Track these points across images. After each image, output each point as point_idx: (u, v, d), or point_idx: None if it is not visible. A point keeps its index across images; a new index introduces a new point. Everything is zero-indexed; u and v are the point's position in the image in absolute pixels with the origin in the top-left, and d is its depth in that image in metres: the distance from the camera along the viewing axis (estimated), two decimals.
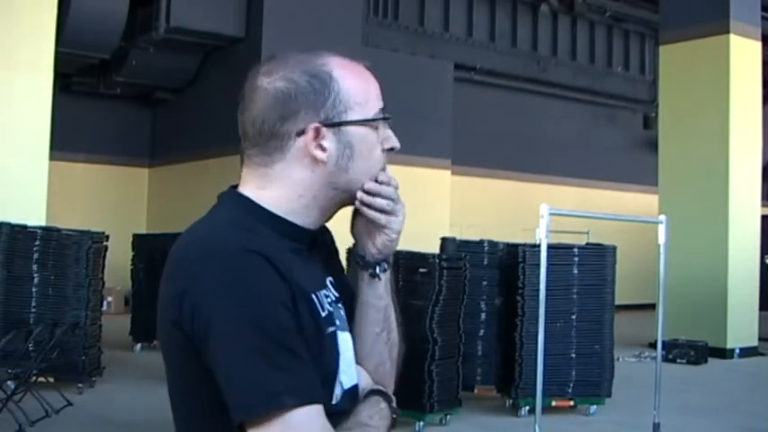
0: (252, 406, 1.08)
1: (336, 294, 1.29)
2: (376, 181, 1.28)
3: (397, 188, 1.30)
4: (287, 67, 1.26)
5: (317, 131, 1.23)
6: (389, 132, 1.31)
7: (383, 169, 1.30)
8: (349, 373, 1.26)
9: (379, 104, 1.30)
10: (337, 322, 1.25)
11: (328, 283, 1.29)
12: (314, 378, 1.13)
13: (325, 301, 1.24)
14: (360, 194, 1.27)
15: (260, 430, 1.08)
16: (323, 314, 1.22)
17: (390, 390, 1.32)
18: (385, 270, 1.32)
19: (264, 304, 1.11)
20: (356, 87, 1.27)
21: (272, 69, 1.27)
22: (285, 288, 1.14)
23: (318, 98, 1.24)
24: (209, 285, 1.12)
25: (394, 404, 1.29)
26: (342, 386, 1.23)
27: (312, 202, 1.26)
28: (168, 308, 1.16)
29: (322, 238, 1.34)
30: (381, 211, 1.28)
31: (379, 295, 1.32)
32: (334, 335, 1.24)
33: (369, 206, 1.28)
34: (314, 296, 1.22)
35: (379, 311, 1.32)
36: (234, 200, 1.28)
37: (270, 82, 1.26)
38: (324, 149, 1.23)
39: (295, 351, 1.11)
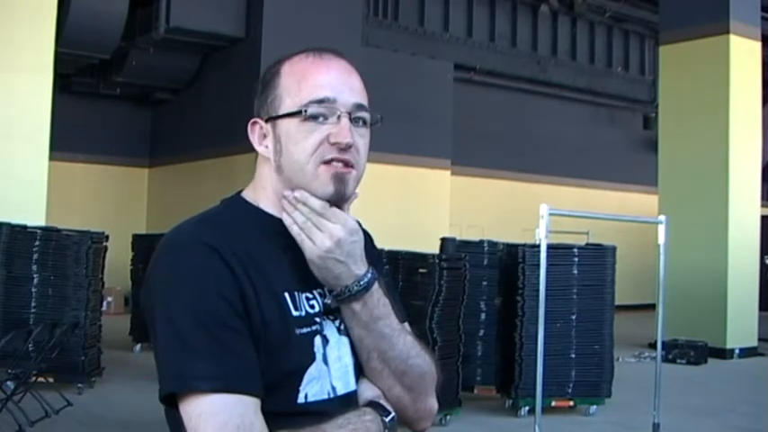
0: (169, 385, 1.15)
1: (329, 302, 1.27)
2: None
3: (317, 211, 1.23)
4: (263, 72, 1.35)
5: (254, 127, 1.31)
6: (341, 126, 1.24)
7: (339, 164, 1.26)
8: (345, 380, 1.27)
9: (318, 95, 1.25)
10: (324, 325, 1.26)
11: (320, 289, 1.27)
12: (245, 371, 1.14)
13: (304, 303, 1.24)
14: (282, 201, 1.26)
15: (181, 409, 1.15)
16: (294, 313, 1.22)
17: (409, 413, 1.31)
18: (331, 302, 1.26)
19: (201, 294, 1.15)
20: (292, 81, 1.28)
21: None
22: (231, 280, 1.17)
23: (265, 97, 1.30)
24: (158, 273, 1.20)
25: (389, 419, 1.26)
26: (333, 391, 1.24)
27: (274, 195, 1.29)
28: (142, 293, 1.24)
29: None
30: (298, 226, 1.24)
31: (349, 325, 1.27)
32: (309, 336, 1.23)
33: (290, 217, 1.25)
34: (286, 294, 1.23)
35: (356, 340, 1.28)
36: (230, 199, 1.33)
37: None
38: (266, 146, 1.29)
39: (225, 343, 1.14)
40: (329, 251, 1.22)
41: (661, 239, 6.48)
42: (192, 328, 1.13)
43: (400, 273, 6.92)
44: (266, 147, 1.29)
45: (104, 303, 10.83)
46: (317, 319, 1.25)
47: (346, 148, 1.24)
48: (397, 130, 14.66)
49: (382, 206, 14.56)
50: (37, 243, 7.78)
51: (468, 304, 7.15)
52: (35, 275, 7.72)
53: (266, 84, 1.30)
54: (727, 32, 11.85)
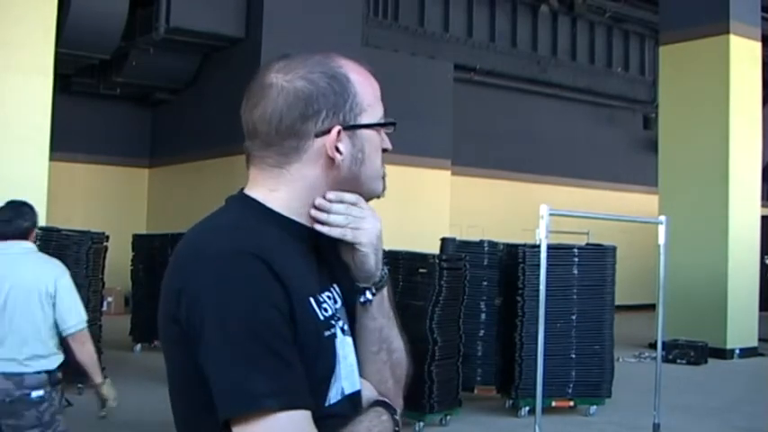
0: (234, 406, 1.09)
1: (341, 298, 1.29)
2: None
3: (353, 203, 1.28)
4: (305, 66, 1.27)
5: (339, 133, 1.25)
6: (385, 134, 1.34)
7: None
8: (351, 380, 1.25)
9: (382, 108, 1.33)
10: (338, 326, 1.24)
11: (334, 285, 1.29)
12: (302, 383, 1.12)
13: (328, 304, 1.24)
14: (312, 211, 1.26)
15: (239, 428, 1.09)
16: (321, 318, 1.21)
17: (397, 407, 1.32)
18: (374, 294, 1.30)
19: (256, 307, 1.11)
20: (368, 91, 1.30)
21: (288, 68, 1.28)
22: (281, 291, 1.14)
23: (339, 100, 1.25)
24: (204, 285, 1.13)
25: (397, 416, 1.28)
26: (342, 391, 1.23)
27: (290, 199, 1.26)
28: (167, 304, 1.19)
29: (334, 240, 1.29)
30: (340, 226, 1.26)
31: (371, 316, 1.30)
32: (332, 338, 1.22)
33: (325, 223, 1.26)
34: (312, 299, 1.21)
35: (372, 332, 1.31)
36: (242, 202, 1.27)
37: (288, 81, 1.26)
38: (340, 152, 1.25)
39: (283, 355, 1.11)
40: (380, 234, 1.30)
41: (661, 239, 6.48)
42: (252, 342, 1.10)
43: (400, 273, 6.91)
44: (340, 153, 1.25)
45: (104, 304, 10.83)
46: (333, 322, 1.24)
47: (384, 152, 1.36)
48: (396, 130, 14.62)
49: (382, 206, 14.50)
50: (37, 243, 7.76)
51: (469, 304, 7.15)
52: None
53: (334, 89, 1.26)
54: (728, 32, 11.85)
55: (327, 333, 1.22)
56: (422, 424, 6.57)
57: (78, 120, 15.17)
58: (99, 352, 8.08)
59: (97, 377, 3.74)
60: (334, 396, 1.21)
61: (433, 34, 16.38)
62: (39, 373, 3.44)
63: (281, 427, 1.08)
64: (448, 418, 6.84)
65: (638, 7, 18.67)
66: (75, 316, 3.56)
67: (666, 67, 12.77)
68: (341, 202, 1.26)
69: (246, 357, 1.09)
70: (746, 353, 11.59)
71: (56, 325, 3.53)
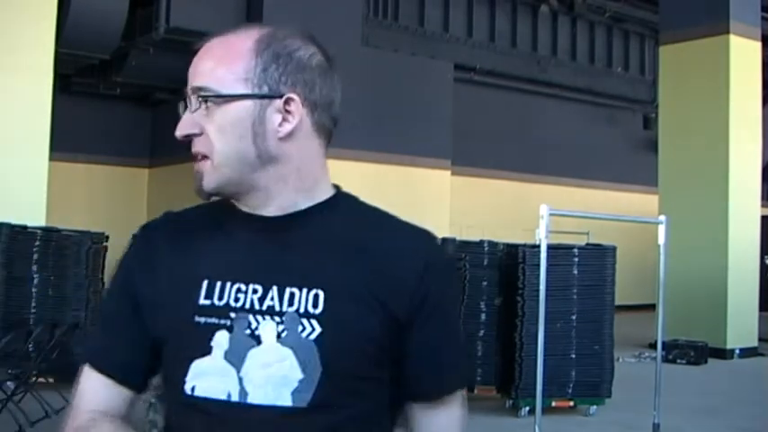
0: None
1: (283, 306, 1.13)
2: None
3: None
4: None
5: None
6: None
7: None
8: (274, 392, 1.11)
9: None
10: (229, 320, 1.13)
11: (275, 285, 1.14)
12: (100, 342, 1.25)
13: (236, 294, 1.14)
14: None
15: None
16: (201, 302, 1.15)
17: None
18: None
19: (115, 272, 1.27)
20: None
21: None
22: (141, 258, 1.25)
23: None
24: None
25: None
26: (244, 396, 1.12)
27: None
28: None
29: (355, 253, 1.17)
30: None
31: None
32: (207, 327, 1.14)
33: None
34: (208, 281, 1.16)
35: None
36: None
37: None
38: None
39: (103, 315, 1.30)
40: None
41: (661, 239, 6.49)
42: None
43: None
44: None
45: None
46: (234, 315, 1.13)
47: (184, 140, 1.19)
48: (397, 130, 14.64)
49: (382, 206, 14.53)
50: (37, 243, 7.78)
51: (468, 304, 7.16)
52: (35, 276, 7.71)
53: None
54: (728, 32, 11.84)
55: (203, 320, 1.14)
56: None
57: (78, 120, 15.16)
58: None
59: None
60: (204, 389, 1.13)
61: (432, 34, 16.37)
62: None
63: (80, 376, 1.23)
64: None
65: (638, 7, 18.65)
66: None
67: (666, 67, 12.77)
68: None
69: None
70: (746, 353, 11.59)
71: None
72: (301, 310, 1.12)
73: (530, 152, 18.24)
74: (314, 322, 1.12)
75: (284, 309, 1.13)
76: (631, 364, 10.47)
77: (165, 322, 1.18)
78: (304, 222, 1.18)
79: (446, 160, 15.67)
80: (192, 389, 1.14)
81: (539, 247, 6.11)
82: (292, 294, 1.13)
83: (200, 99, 1.15)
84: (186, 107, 1.18)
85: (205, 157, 1.17)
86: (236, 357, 1.12)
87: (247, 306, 1.14)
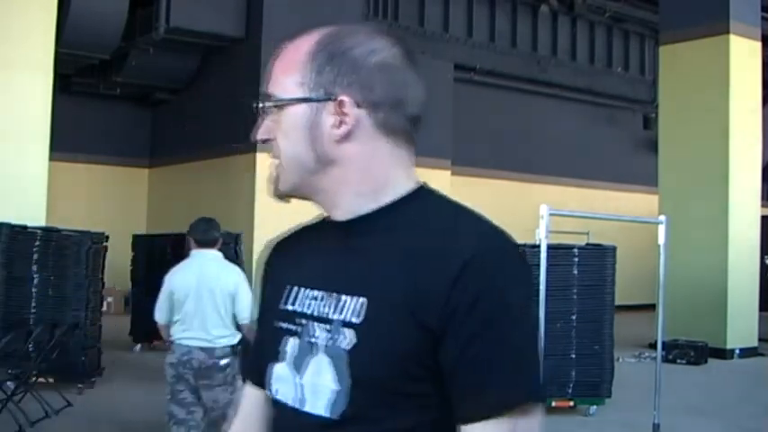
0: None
1: (333, 313, 1.12)
2: None
3: None
4: None
5: None
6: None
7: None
8: (320, 402, 1.11)
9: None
10: (300, 327, 1.15)
11: (330, 291, 1.14)
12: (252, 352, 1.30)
13: (304, 300, 1.16)
14: None
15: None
16: (281, 306, 1.19)
17: None
18: None
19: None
20: None
21: None
22: (266, 272, 1.30)
23: None
24: None
25: None
26: (302, 403, 1.14)
27: None
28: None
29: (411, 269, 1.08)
30: None
31: None
32: (280, 332, 1.18)
33: None
34: (289, 287, 1.20)
35: None
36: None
37: None
38: None
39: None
40: None
41: (661, 239, 6.48)
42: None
43: None
44: None
45: (104, 304, 10.83)
46: (303, 321, 1.15)
47: (263, 144, 1.19)
48: None
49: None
50: (37, 243, 7.79)
51: None
52: (35, 276, 7.72)
53: None
54: (727, 32, 11.84)
55: (277, 324, 1.19)
56: None
57: (78, 120, 15.17)
58: (99, 352, 8.15)
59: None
60: (283, 393, 1.17)
61: (432, 34, 16.38)
62: (224, 347, 4.64)
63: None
64: None
65: (638, 7, 18.66)
66: (246, 312, 4.67)
67: (666, 67, 12.77)
68: None
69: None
70: (746, 353, 11.59)
71: (234, 314, 4.69)
72: (345, 320, 1.10)
73: (530, 152, 18.24)
74: (352, 332, 1.09)
75: (334, 317, 1.11)
76: (631, 364, 10.47)
77: (264, 325, 1.25)
78: (366, 226, 1.15)
79: (446, 160, 15.68)
80: (276, 391, 1.18)
81: (539, 246, 6.11)
82: (345, 302, 1.11)
83: (267, 105, 1.17)
84: (257, 110, 1.20)
85: (279, 161, 1.18)
86: (299, 365, 1.14)
87: (311, 313, 1.15)
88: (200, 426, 4.69)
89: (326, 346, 1.11)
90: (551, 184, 18.04)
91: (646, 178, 17.48)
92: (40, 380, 6.84)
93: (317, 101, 1.13)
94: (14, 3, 8.78)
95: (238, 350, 4.73)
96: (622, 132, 20.01)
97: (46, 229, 8.03)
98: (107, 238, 8.30)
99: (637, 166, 19.25)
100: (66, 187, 14.55)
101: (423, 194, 1.20)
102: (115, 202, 16.20)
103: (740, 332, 11.65)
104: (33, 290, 7.70)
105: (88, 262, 7.86)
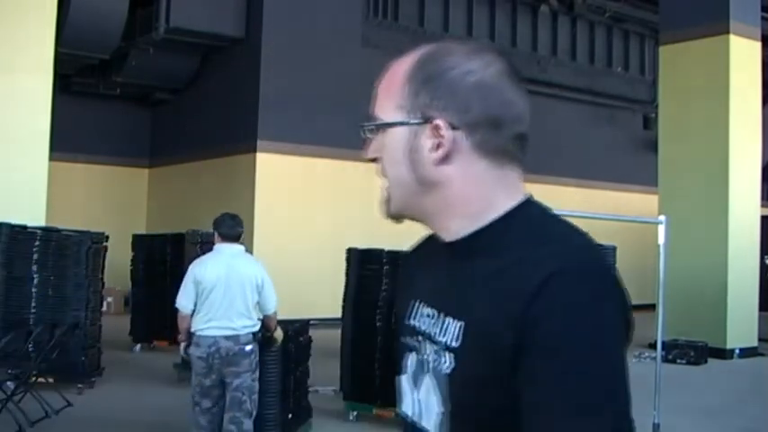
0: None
1: (439, 335, 1.12)
2: None
3: None
4: None
5: None
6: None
7: None
8: (429, 419, 1.14)
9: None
10: (418, 344, 1.17)
11: (447, 315, 1.12)
12: None
13: (422, 320, 1.17)
14: None
15: None
16: (406, 321, 1.22)
17: None
18: None
19: None
20: None
21: None
22: (399, 286, 1.35)
23: None
24: None
25: None
26: (420, 417, 1.16)
27: None
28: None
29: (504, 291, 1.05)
30: None
31: None
32: (405, 348, 1.21)
33: None
34: (413, 301, 1.21)
35: None
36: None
37: None
38: None
39: None
40: None
41: (661, 239, 6.48)
42: None
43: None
44: None
45: (104, 304, 10.83)
46: (420, 338, 1.16)
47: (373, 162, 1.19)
48: None
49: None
50: (37, 243, 7.78)
51: None
52: (35, 276, 7.72)
53: None
54: (728, 32, 11.84)
55: (404, 339, 1.21)
56: None
57: (78, 120, 15.18)
58: (99, 352, 8.15)
59: (271, 330, 5.31)
60: (407, 405, 1.19)
61: (432, 34, 16.36)
62: (247, 334, 4.98)
63: None
64: None
65: (638, 7, 18.66)
66: (272, 303, 5.13)
67: (666, 67, 12.77)
68: None
69: None
70: (746, 353, 11.59)
71: (257, 305, 5.08)
72: (447, 343, 1.09)
73: (530, 152, 18.04)
74: (451, 356, 1.08)
75: (439, 338, 1.11)
76: (631, 364, 10.35)
77: (397, 336, 1.26)
78: (465, 248, 1.13)
79: None
80: (401, 403, 1.21)
81: None
82: (447, 325, 1.11)
83: (370, 128, 1.17)
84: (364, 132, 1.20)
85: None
86: (416, 380, 1.16)
87: (425, 330, 1.15)
88: (220, 414, 5.03)
89: (433, 367, 1.12)
90: (551, 183, 18.02)
91: (646, 178, 17.48)
92: (40, 380, 6.84)
93: (415, 124, 1.13)
94: (15, 3, 8.79)
95: (259, 338, 5.10)
96: (622, 132, 20.01)
97: (46, 229, 8.03)
98: (107, 238, 8.30)
99: (637, 166, 19.25)
100: (67, 187, 14.56)
101: (519, 213, 1.16)
102: (115, 202, 16.20)
103: (740, 332, 11.65)
104: (33, 290, 7.69)
105: (88, 262, 7.85)
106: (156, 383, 8.18)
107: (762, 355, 11.73)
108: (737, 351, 11.51)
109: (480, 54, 1.16)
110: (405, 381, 1.19)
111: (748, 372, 10.64)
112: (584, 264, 1.04)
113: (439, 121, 1.11)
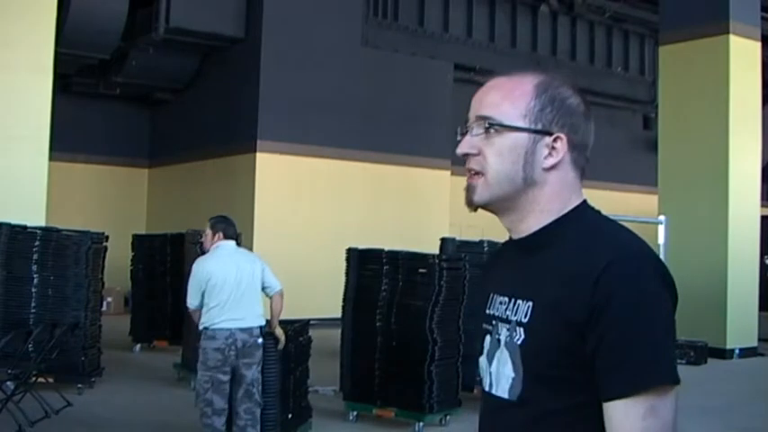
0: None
1: (512, 315, 1.38)
2: None
3: None
4: None
5: None
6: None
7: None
8: (502, 386, 1.39)
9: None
10: (494, 328, 1.42)
11: (517, 299, 1.39)
12: None
13: (497, 307, 1.43)
14: None
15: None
16: (485, 310, 1.47)
17: None
18: None
19: None
20: None
21: None
22: (484, 274, 1.66)
23: None
24: None
25: None
26: (492, 388, 1.42)
27: None
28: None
29: (566, 276, 1.33)
30: None
31: None
32: (484, 332, 1.46)
33: None
34: (491, 294, 1.47)
35: None
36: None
37: None
38: None
39: None
40: None
41: (661, 239, 6.49)
42: None
43: (400, 273, 6.91)
44: None
45: (104, 304, 10.83)
46: (494, 322, 1.43)
47: (464, 158, 1.42)
48: (396, 130, 14.64)
49: (382, 206, 14.55)
50: (37, 243, 7.78)
51: (469, 304, 7.15)
52: (35, 275, 7.71)
53: None
54: (727, 32, 11.84)
55: (484, 325, 1.46)
56: (421, 424, 6.56)
57: (78, 120, 15.18)
58: (98, 352, 8.15)
59: (275, 323, 5.53)
60: (480, 379, 1.47)
61: (432, 34, 16.37)
62: (260, 326, 5.30)
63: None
64: (447, 418, 6.83)
65: (638, 7, 18.66)
66: (276, 282, 5.44)
67: (666, 67, 12.77)
68: None
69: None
70: (746, 353, 11.59)
71: (264, 291, 5.38)
72: (519, 320, 1.37)
73: None
74: (522, 330, 1.36)
75: (512, 317, 1.38)
76: None
77: (478, 325, 1.50)
78: (539, 240, 1.40)
79: (446, 160, 15.68)
80: (480, 379, 1.48)
81: None
82: (519, 306, 1.38)
83: (484, 126, 1.39)
84: (466, 131, 1.44)
85: (478, 173, 1.40)
86: (490, 357, 1.43)
87: (499, 315, 1.42)
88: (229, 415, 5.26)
89: (506, 342, 1.38)
90: None
91: (646, 178, 17.49)
92: (40, 380, 6.85)
93: (539, 133, 1.38)
94: (15, 3, 8.79)
95: (264, 331, 5.37)
96: (622, 132, 20.01)
97: (46, 229, 8.02)
98: (107, 238, 8.29)
99: (637, 166, 19.25)
100: (66, 187, 14.55)
101: (579, 211, 1.42)
102: (115, 202, 16.20)
103: (740, 332, 11.65)
104: (33, 290, 7.69)
105: (88, 262, 7.85)
106: (156, 383, 8.18)
107: (762, 355, 11.74)
108: (737, 351, 11.51)
109: (578, 89, 1.44)
110: (482, 359, 1.45)
111: (748, 372, 10.64)
112: (636, 252, 1.33)
113: (561, 135, 1.38)
